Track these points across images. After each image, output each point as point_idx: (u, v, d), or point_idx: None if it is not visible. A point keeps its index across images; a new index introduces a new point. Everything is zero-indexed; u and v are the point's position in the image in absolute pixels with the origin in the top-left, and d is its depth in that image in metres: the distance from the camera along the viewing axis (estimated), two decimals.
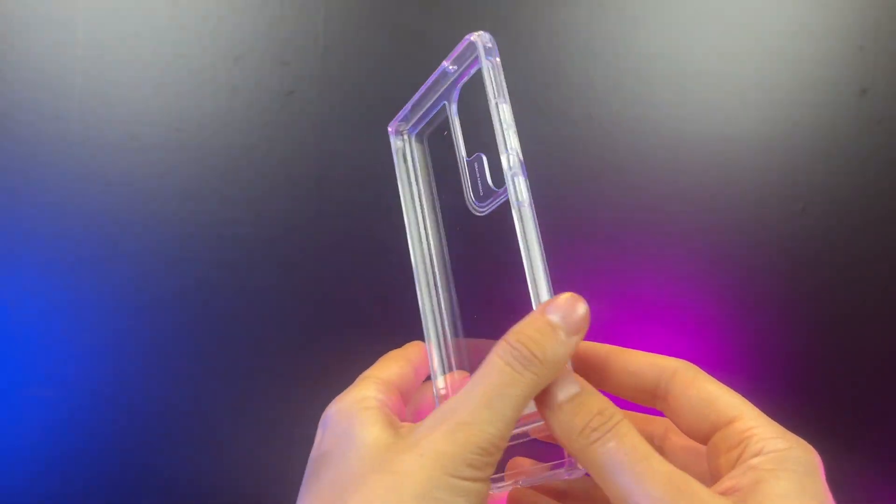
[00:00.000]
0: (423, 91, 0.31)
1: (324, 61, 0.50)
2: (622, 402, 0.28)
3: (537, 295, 0.27)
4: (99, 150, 0.47)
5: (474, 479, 0.24)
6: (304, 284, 0.50)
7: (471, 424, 0.24)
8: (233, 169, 0.49)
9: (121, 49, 0.48)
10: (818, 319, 0.53)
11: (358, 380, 0.30)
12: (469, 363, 0.31)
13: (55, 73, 0.47)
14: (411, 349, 0.32)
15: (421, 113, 0.32)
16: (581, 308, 0.27)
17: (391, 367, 0.31)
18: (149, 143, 0.48)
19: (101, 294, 0.47)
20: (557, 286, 0.27)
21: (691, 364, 0.29)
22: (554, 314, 0.26)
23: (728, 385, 0.28)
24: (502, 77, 0.28)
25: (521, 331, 0.26)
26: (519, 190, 0.27)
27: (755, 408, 0.27)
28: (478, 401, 0.25)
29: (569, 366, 0.26)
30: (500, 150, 0.27)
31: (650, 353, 0.29)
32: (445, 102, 0.30)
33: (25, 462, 0.46)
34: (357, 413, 0.28)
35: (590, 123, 0.53)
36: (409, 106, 0.31)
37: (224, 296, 0.48)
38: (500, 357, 0.25)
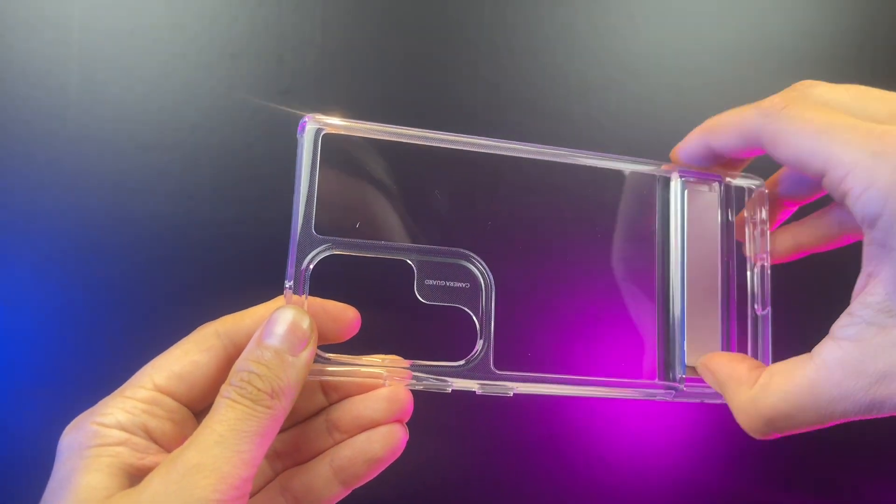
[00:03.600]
0: None
1: (320, 60, 0.50)
2: None
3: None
4: (94, 148, 0.47)
5: None
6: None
7: (205, 466, 0.23)
8: (229, 168, 0.49)
9: (116, 47, 0.48)
10: (810, 325, 0.53)
11: (127, 383, 0.27)
12: None
13: (50, 71, 0.47)
14: (215, 326, 0.28)
15: None
16: (301, 322, 0.26)
17: (179, 359, 0.27)
18: (144, 142, 0.48)
19: (96, 294, 0.46)
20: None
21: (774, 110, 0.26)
22: (270, 338, 0.25)
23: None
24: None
25: (243, 366, 0.25)
26: None
27: (840, 140, 0.24)
28: (209, 439, 0.23)
29: None
30: None
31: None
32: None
33: (23, 463, 0.46)
34: (84, 454, 0.24)
35: (588, 123, 0.53)
36: None
37: (222, 296, 0.47)
38: (226, 397, 0.24)
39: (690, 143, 0.30)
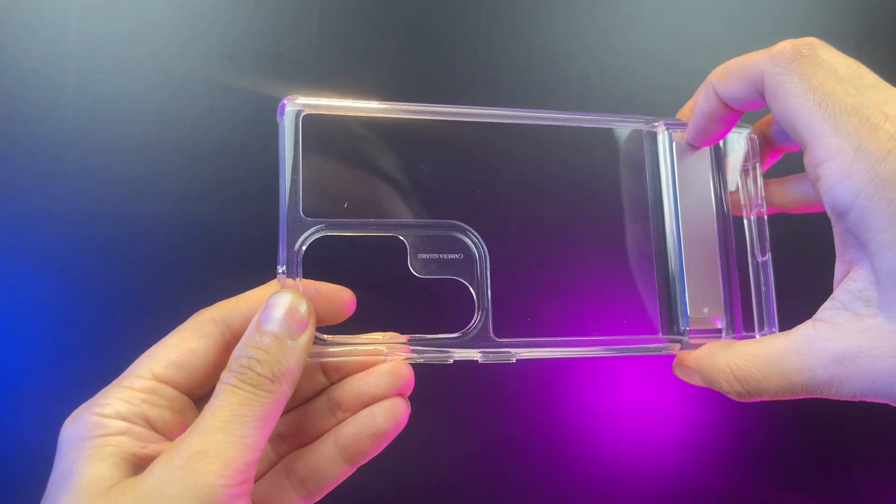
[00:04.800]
0: None
1: (318, 59, 0.50)
2: None
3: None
4: (92, 149, 0.47)
5: (234, 498, 0.23)
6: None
7: (207, 452, 0.23)
8: (227, 168, 0.49)
9: (114, 48, 0.48)
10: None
11: (125, 373, 0.27)
12: None
13: (48, 71, 0.47)
14: (210, 314, 0.28)
15: None
16: (298, 306, 0.26)
17: (177, 347, 0.27)
18: (142, 143, 0.48)
19: (93, 295, 0.46)
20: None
21: (779, 65, 0.26)
22: (269, 324, 0.25)
23: None
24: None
25: (242, 352, 0.25)
26: None
27: (832, 123, 0.24)
28: (211, 425, 0.23)
29: None
30: None
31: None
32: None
33: (20, 463, 0.46)
34: (85, 445, 0.24)
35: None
36: None
37: (220, 296, 0.49)
38: (227, 383, 0.24)
39: (700, 97, 0.29)
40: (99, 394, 0.26)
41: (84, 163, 0.47)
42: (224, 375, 0.25)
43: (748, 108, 0.28)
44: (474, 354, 0.29)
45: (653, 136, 0.32)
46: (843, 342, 0.23)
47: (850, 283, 0.24)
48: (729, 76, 0.28)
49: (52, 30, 0.47)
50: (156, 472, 0.23)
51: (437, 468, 0.50)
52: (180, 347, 0.27)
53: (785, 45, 0.26)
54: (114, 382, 0.26)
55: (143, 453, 0.25)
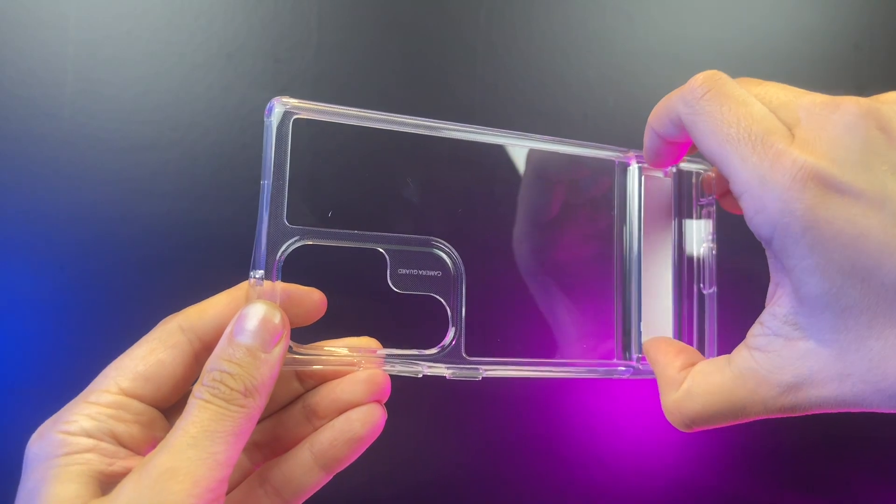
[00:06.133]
0: None
1: (317, 59, 0.50)
2: None
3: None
4: (90, 148, 0.47)
5: None
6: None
7: (178, 470, 0.22)
8: (226, 168, 0.49)
9: (113, 47, 0.48)
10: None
11: (90, 387, 0.26)
12: None
13: (46, 71, 0.47)
14: (177, 322, 0.28)
15: None
16: (272, 318, 0.25)
17: (144, 359, 0.26)
18: (141, 142, 0.48)
19: (92, 294, 0.46)
20: None
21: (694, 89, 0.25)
22: (242, 336, 0.25)
23: None
24: None
25: (214, 365, 0.24)
26: None
27: (739, 156, 0.23)
28: (181, 442, 0.23)
29: None
30: None
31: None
32: None
33: (21, 463, 0.46)
34: (52, 463, 0.24)
35: (585, 122, 0.53)
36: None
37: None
38: (199, 398, 0.24)
39: (646, 134, 0.30)
40: (64, 409, 0.25)
41: (82, 162, 0.47)
42: (196, 389, 0.24)
43: (687, 141, 0.28)
44: (443, 370, 0.29)
45: (623, 168, 0.33)
46: (786, 373, 0.23)
47: (777, 307, 0.24)
48: (659, 117, 0.28)
49: (50, 29, 0.47)
50: (124, 491, 0.22)
51: (435, 470, 0.50)
52: (147, 359, 0.26)
53: (696, 82, 0.25)
54: (79, 397, 0.26)
55: (111, 471, 0.24)
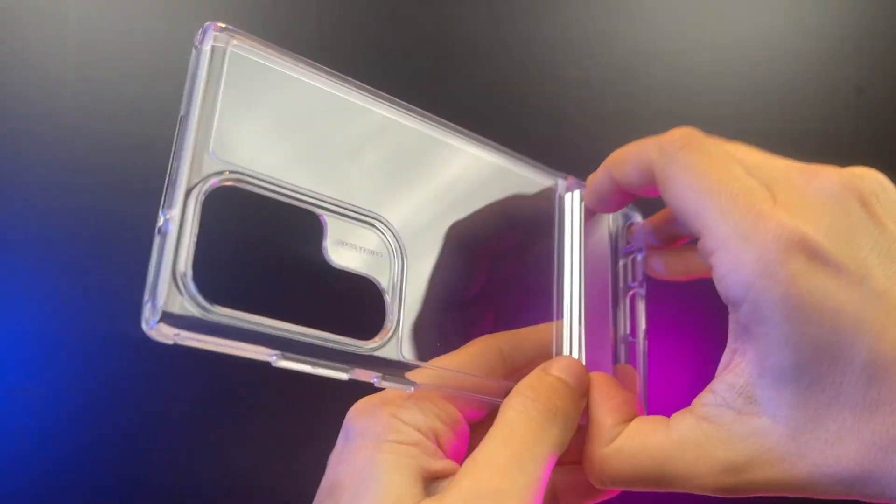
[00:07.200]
0: None
1: (317, 57, 0.49)
2: None
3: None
4: (91, 147, 0.47)
5: None
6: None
7: (507, 493, 0.22)
8: None
9: (113, 46, 0.48)
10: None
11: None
12: None
13: (47, 69, 0.47)
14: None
15: None
16: (586, 374, 0.26)
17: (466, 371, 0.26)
18: (142, 141, 0.48)
19: (91, 294, 0.46)
20: None
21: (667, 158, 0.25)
22: (564, 374, 0.25)
23: None
24: None
25: (536, 386, 0.25)
26: None
27: (719, 211, 0.23)
28: (509, 463, 0.22)
29: None
30: None
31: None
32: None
33: (21, 464, 0.45)
34: (383, 447, 0.23)
35: (584, 122, 0.52)
36: None
37: (218, 296, 0.48)
38: (522, 412, 0.24)
39: (598, 178, 0.29)
40: (390, 392, 0.25)
41: (82, 160, 0.47)
42: (517, 403, 0.24)
43: (642, 194, 0.28)
44: (370, 376, 0.24)
45: (564, 195, 0.31)
46: (733, 451, 0.22)
47: (732, 376, 0.23)
48: (623, 163, 0.27)
49: (50, 28, 0.48)
50: (451, 498, 0.22)
51: None
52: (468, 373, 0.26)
53: (674, 134, 0.25)
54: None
55: (430, 469, 0.24)
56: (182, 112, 0.22)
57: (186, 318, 0.21)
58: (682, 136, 0.25)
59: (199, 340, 0.21)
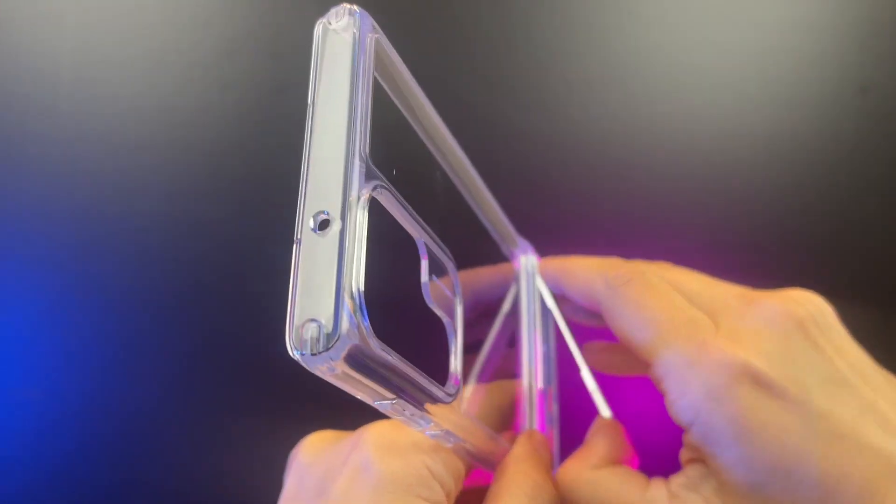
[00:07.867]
0: None
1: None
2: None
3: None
4: (88, 146, 0.47)
5: None
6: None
7: None
8: (224, 166, 0.48)
9: (111, 45, 0.48)
10: None
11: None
12: None
13: (44, 68, 0.47)
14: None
15: None
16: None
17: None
18: (139, 141, 0.47)
19: (88, 294, 0.45)
20: None
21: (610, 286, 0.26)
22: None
23: None
24: None
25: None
26: None
27: (664, 339, 0.24)
28: None
29: None
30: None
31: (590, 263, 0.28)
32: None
33: (20, 463, 0.44)
34: (408, 501, 0.22)
35: (583, 121, 0.52)
36: None
37: (216, 296, 0.47)
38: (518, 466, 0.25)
39: (548, 270, 0.31)
40: (407, 429, 0.23)
41: (79, 160, 0.46)
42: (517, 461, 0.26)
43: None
44: (440, 428, 0.22)
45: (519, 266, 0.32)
46: None
47: (700, 482, 0.23)
48: (573, 282, 0.29)
49: (48, 27, 0.47)
50: None
51: None
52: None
53: (621, 269, 0.27)
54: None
55: None
56: (309, 102, 0.19)
57: (363, 351, 0.16)
58: (627, 272, 0.26)
59: (351, 378, 0.17)
